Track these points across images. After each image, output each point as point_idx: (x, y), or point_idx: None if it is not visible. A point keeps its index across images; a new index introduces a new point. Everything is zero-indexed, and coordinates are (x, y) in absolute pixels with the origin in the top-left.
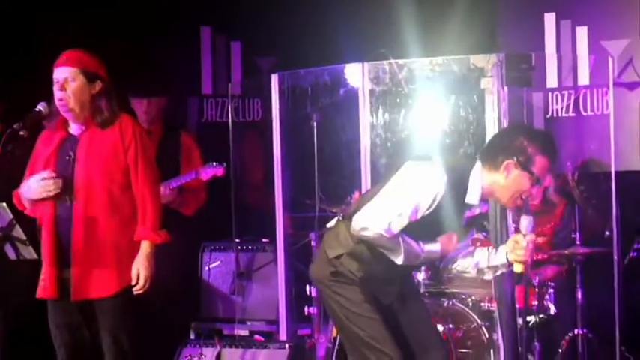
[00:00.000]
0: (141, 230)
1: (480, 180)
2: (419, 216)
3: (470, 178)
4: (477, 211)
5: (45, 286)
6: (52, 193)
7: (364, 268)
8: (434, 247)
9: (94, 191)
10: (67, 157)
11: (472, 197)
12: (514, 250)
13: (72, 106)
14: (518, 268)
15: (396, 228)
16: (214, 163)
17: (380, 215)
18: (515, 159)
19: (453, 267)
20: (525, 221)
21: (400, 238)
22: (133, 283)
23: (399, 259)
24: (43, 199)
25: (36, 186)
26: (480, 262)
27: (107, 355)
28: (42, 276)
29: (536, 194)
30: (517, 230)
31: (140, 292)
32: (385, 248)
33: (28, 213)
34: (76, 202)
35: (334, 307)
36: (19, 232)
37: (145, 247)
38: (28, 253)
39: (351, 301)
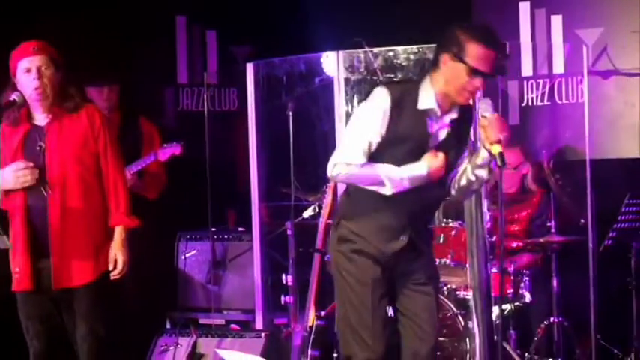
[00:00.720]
0: (115, 216)
1: (432, 86)
2: (377, 136)
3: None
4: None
5: (20, 279)
6: (28, 183)
7: (362, 223)
8: (417, 167)
9: (68, 179)
10: (37, 148)
11: (426, 102)
12: (486, 135)
13: (48, 92)
14: (496, 149)
15: (359, 153)
16: (174, 143)
17: (341, 149)
18: (449, 50)
19: (461, 185)
20: (484, 104)
21: (373, 164)
22: (111, 267)
23: (386, 189)
24: (18, 190)
25: (12, 177)
26: (469, 168)
27: (83, 344)
28: (15, 268)
29: (513, 182)
30: (491, 218)
31: (117, 276)
32: (365, 182)
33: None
34: (50, 192)
35: (338, 277)
36: None
37: (120, 232)
38: (2, 242)
39: (354, 278)
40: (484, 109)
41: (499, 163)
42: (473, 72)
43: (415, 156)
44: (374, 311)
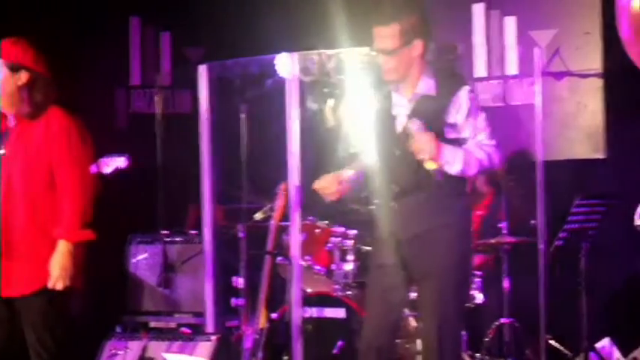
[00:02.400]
0: (57, 229)
1: None
2: None
3: None
4: None
5: None
6: None
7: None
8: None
9: (14, 188)
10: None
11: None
12: (419, 153)
13: (2, 98)
14: (431, 165)
15: None
16: (117, 155)
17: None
18: None
19: None
20: (412, 125)
21: None
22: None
23: None
24: None
25: None
26: None
27: (31, 352)
28: None
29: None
30: None
31: (54, 289)
32: None
33: None
34: None
35: None
36: None
37: (61, 246)
38: None
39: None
40: (413, 129)
41: (434, 177)
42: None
43: None
44: (374, 289)
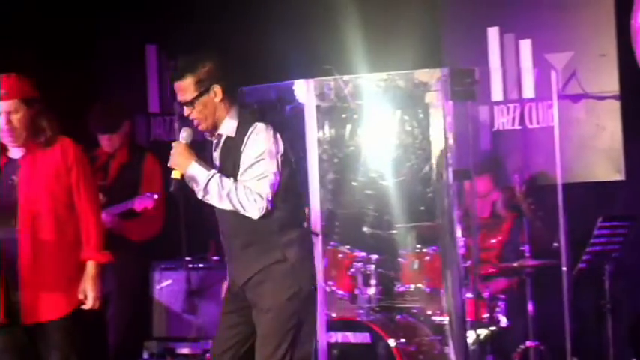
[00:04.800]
0: (86, 250)
1: None
2: None
3: None
4: None
5: None
6: None
7: None
8: None
9: (40, 213)
10: (10, 182)
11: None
12: (170, 160)
13: (19, 134)
14: (174, 174)
15: None
16: (148, 194)
17: None
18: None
19: None
20: (183, 132)
21: None
22: (81, 298)
23: None
24: None
25: None
26: None
27: None
28: None
29: (484, 209)
30: (465, 244)
31: (89, 311)
32: None
33: None
34: (21, 226)
35: None
36: None
37: (91, 267)
38: None
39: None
40: (181, 137)
41: (172, 187)
42: None
43: None
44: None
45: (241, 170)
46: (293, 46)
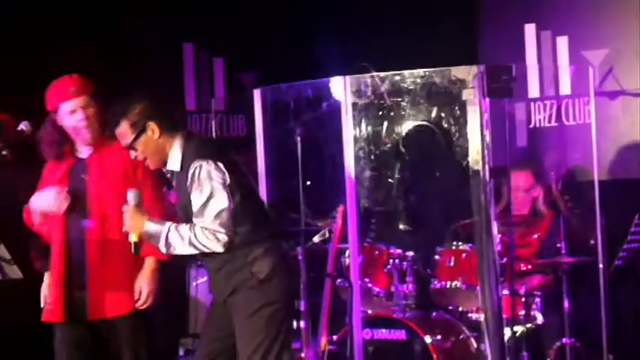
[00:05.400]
0: (146, 246)
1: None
2: None
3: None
4: None
5: (52, 310)
6: (54, 208)
7: None
8: None
9: (108, 211)
10: (79, 180)
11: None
12: (125, 225)
13: (94, 129)
14: (131, 237)
15: None
16: None
17: None
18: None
19: None
20: (130, 194)
21: None
22: (136, 298)
23: None
24: (58, 220)
25: (45, 196)
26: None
27: None
28: (48, 299)
29: (524, 205)
30: (501, 241)
31: (143, 307)
32: None
33: (36, 229)
34: (90, 224)
35: None
36: (3, 251)
37: (150, 263)
38: (13, 272)
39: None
40: (128, 200)
41: (132, 249)
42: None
43: None
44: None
45: (195, 211)
46: (330, 44)
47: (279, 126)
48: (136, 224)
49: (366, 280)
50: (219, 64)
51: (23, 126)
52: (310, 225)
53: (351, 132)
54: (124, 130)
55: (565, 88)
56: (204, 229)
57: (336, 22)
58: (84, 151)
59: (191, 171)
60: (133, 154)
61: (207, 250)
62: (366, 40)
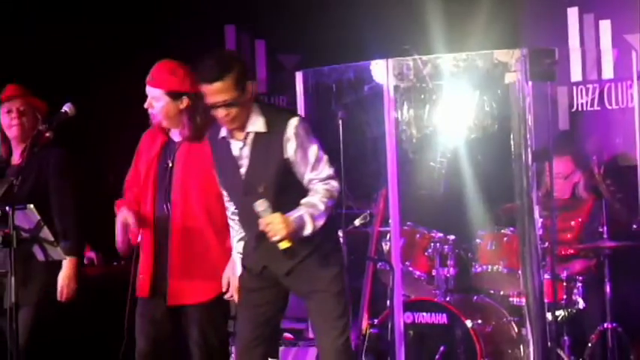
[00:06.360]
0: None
1: None
2: None
3: None
4: None
5: (141, 286)
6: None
7: None
8: None
9: (190, 201)
10: (165, 165)
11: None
12: (271, 236)
13: (161, 120)
14: (282, 245)
15: None
16: None
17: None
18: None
19: None
20: (259, 207)
21: None
22: (224, 289)
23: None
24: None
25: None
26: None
27: (195, 349)
28: (139, 276)
29: (565, 190)
30: (543, 225)
31: (230, 299)
32: None
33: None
34: (173, 212)
35: None
36: (46, 233)
37: (235, 255)
38: (56, 254)
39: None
40: (261, 212)
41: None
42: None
43: None
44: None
45: (309, 167)
46: (372, 26)
47: (321, 108)
48: (283, 226)
49: (407, 263)
50: (261, 46)
51: (67, 108)
52: (352, 208)
53: (393, 115)
54: (228, 86)
55: (608, 72)
56: (321, 186)
57: (378, 4)
58: (175, 135)
59: (290, 128)
60: (222, 112)
61: (333, 202)
62: (408, 23)
